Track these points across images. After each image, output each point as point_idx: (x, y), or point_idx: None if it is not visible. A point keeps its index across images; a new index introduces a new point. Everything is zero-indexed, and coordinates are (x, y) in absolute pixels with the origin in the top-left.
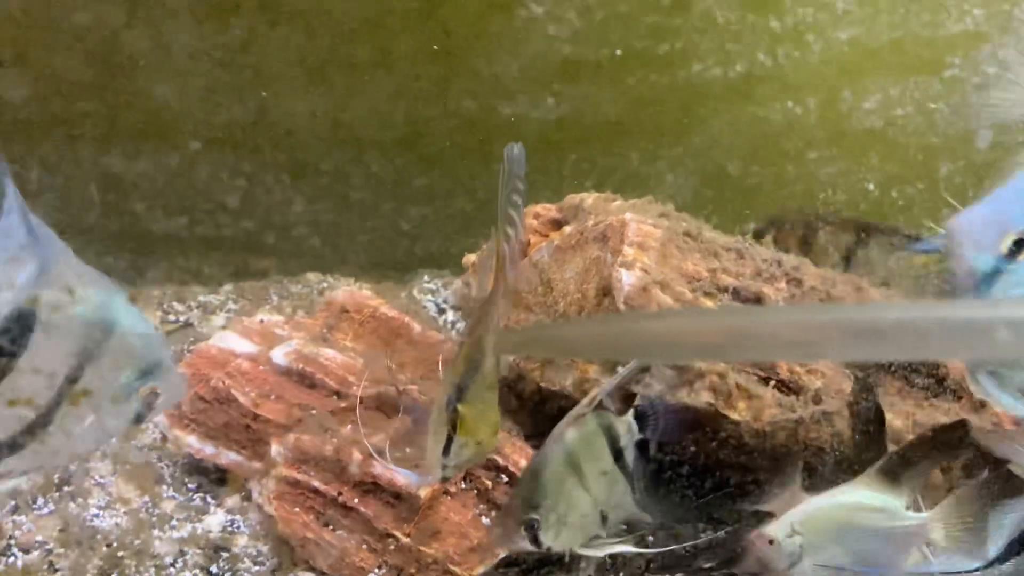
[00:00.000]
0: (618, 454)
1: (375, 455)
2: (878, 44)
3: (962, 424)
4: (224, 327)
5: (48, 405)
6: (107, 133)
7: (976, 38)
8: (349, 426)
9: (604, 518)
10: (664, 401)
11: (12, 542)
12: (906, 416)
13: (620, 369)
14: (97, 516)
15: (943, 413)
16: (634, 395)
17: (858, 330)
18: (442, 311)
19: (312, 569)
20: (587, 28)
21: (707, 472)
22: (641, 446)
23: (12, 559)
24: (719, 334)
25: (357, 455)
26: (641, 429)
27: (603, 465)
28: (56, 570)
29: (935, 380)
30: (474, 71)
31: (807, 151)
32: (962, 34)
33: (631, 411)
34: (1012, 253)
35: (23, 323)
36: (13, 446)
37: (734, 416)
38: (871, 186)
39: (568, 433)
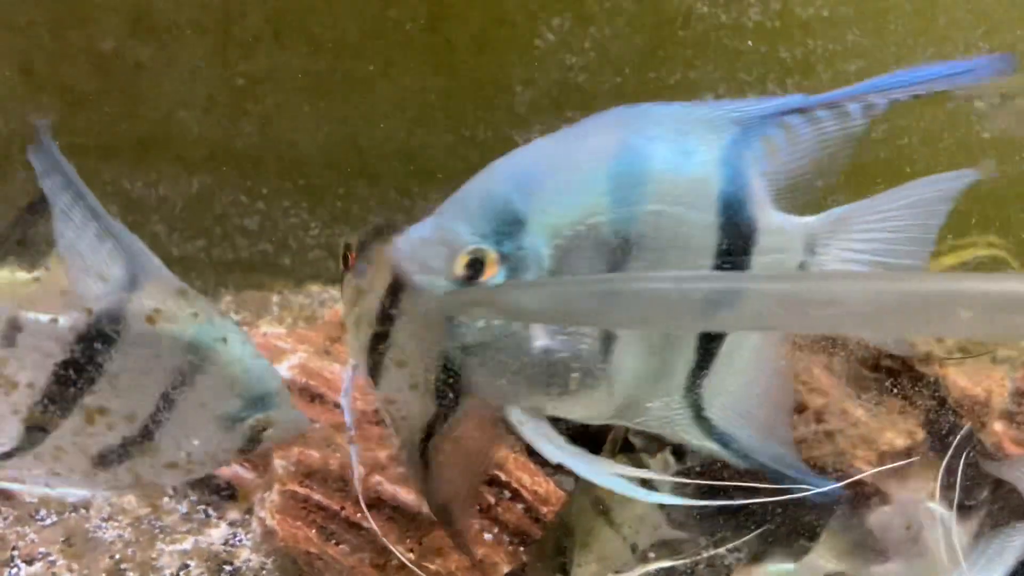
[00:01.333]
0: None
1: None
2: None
3: None
4: None
5: (142, 423)
6: (109, 146)
7: None
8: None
9: (634, 548)
10: None
11: (15, 553)
12: (908, 435)
13: None
14: (100, 528)
15: (945, 431)
16: None
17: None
18: None
19: None
20: (599, 58)
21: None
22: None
23: (15, 570)
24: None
25: (361, 469)
26: (680, 460)
27: (635, 508)
28: None
29: (936, 401)
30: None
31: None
32: None
33: (668, 447)
34: (471, 275)
35: (107, 336)
36: (105, 461)
37: None
38: None
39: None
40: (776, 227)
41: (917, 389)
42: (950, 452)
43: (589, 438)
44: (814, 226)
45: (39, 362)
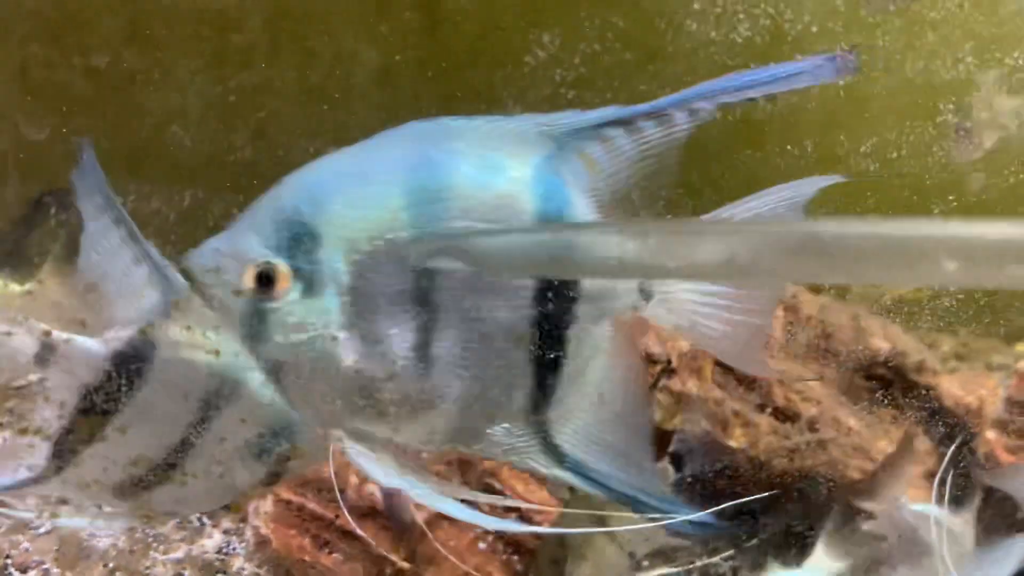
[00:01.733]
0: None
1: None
2: (873, 90)
3: None
4: None
5: (169, 448)
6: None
7: (968, 85)
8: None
9: (632, 555)
10: (701, 440)
11: (9, 562)
12: (906, 437)
13: None
14: (94, 536)
15: (934, 440)
16: (667, 436)
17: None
18: None
19: None
20: (591, 74)
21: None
22: (679, 483)
23: None
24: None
25: (354, 478)
26: (679, 469)
27: (631, 517)
28: None
29: (928, 412)
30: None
31: None
32: (954, 81)
33: (666, 456)
34: (261, 289)
35: (139, 358)
36: (130, 490)
37: (732, 444)
38: None
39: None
40: None
41: (910, 398)
42: (947, 459)
43: None
44: None
45: (70, 384)
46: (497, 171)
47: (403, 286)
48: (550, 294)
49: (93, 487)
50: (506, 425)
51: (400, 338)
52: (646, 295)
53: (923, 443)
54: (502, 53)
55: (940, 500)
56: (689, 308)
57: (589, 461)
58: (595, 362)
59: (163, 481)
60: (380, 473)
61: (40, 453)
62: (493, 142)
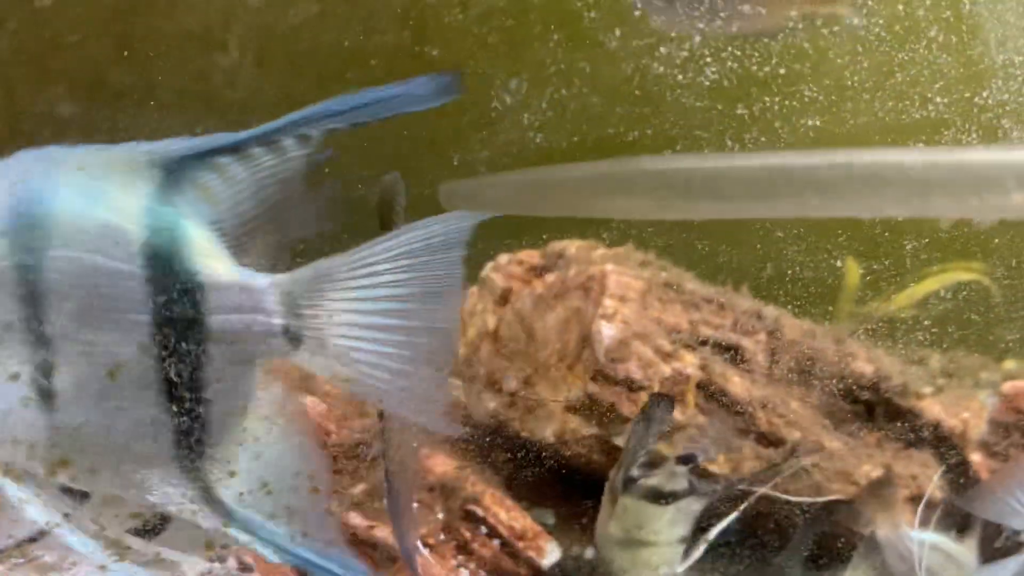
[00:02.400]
0: (672, 497)
1: None
2: (843, 130)
3: None
4: None
5: None
6: None
7: (938, 124)
8: None
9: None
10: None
11: None
12: (885, 468)
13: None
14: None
15: (918, 464)
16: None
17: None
18: None
19: None
20: (558, 118)
21: None
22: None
23: None
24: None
25: (336, 506)
26: (692, 471)
27: (666, 521)
28: None
29: (912, 436)
30: None
31: (775, 231)
32: (924, 121)
33: (673, 459)
34: None
35: None
36: (142, 532)
37: (714, 469)
38: (838, 263)
39: (611, 526)
40: (234, 284)
41: (894, 422)
42: (932, 483)
43: (584, 477)
44: (290, 283)
45: None
46: (99, 201)
47: (10, 317)
48: (170, 331)
49: (101, 532)
50: (160, 472)
51: (14, 372)
52: (294, 339)
53: (908, 467)
54: (467, 99)
55: (927, 524)
56: (349, 355)
57: (258, 519)
58: (251, 411)
59: (168, 524)
60: (35, 514)
61: (54, 499)
62: (98, 171)
